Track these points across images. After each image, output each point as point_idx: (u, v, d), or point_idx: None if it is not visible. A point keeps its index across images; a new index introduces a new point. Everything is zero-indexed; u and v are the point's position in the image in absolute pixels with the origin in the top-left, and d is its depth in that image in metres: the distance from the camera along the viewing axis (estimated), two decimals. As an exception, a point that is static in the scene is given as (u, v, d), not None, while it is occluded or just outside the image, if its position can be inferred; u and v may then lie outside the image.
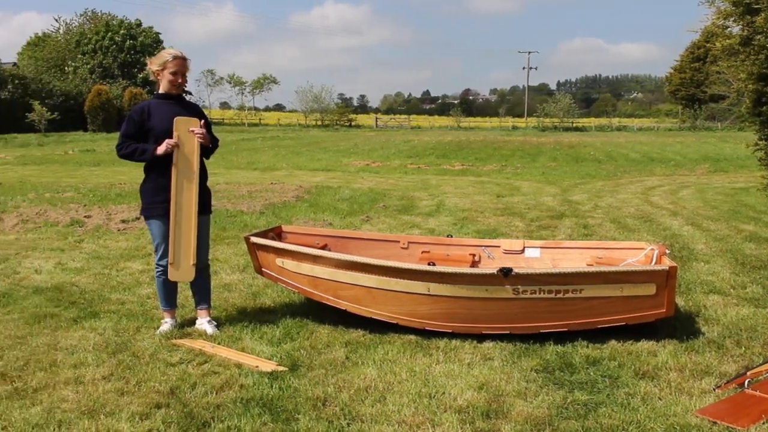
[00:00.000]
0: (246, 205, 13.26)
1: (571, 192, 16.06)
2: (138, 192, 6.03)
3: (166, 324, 5.92)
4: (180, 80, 5.67)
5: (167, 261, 5.77)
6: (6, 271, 8.04)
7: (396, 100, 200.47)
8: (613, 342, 5.41)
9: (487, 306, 5.40)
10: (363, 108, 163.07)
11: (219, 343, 5.51)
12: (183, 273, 5.77)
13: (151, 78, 5.85)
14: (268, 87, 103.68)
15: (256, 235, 6.38)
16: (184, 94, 5.90)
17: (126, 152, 5.62)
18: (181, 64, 5.66)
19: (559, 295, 5.31)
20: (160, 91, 5.75)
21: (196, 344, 5.47)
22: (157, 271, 5.90)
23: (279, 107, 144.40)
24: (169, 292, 5.95)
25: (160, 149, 5.56)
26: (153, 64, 5.69)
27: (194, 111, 5.86)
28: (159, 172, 5.68)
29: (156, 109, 5.68)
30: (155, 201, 5.70)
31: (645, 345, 5.37)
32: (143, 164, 5.78)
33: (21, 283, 7.46)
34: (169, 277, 5.78)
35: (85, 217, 11.88)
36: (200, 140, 5.66)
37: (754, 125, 12.24)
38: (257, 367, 4.97)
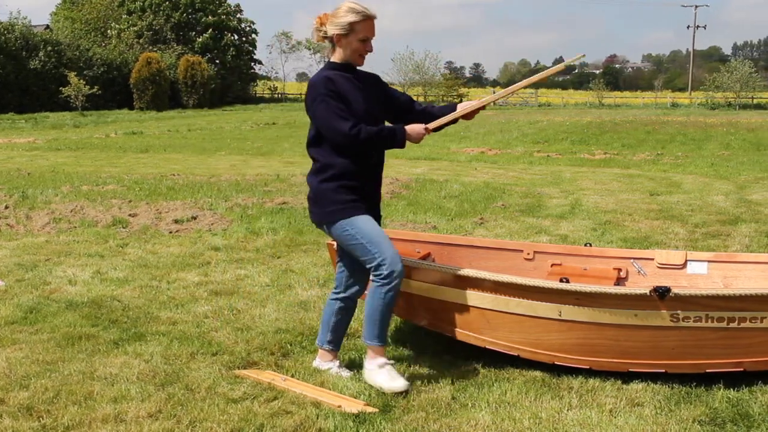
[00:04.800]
0: (327, 203, 13.36)
1: (749, 189, 15.66)
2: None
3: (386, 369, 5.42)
4: (369, 50, 5.34)
5: (400, 267, 5.29)
6: (34, 281, 8.30)
7: (519, 69, 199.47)
8: (804, 387, 5.27)
9: (636, 336, 5.31)
10: (477, 80, 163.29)
11: (292, 376, 5.58)
12: None
13: (314, 40, 5.46)
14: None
15: (340, 240, 6.43)
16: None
17: (368, 135, 5.15)
18: (373, 28, 5.28)
19: (732, 325, 5.18)
20: (336, 59, 5.35)
21: (264, 376, 5.54)
22: (381, 283, 5.34)
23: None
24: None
25: (416, 133, 5.33)
26: (332, 26, 5.22)
27: (377, 86, 5.57)
28: (349, 167, 5.32)
29: (342, 86, 5.26)
30: (348, 199, 5.35)
31: None
32: (314, 157, 5.37)
33: (51, 296, 7.70)
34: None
35: (129, 215, 12.22)
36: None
37: None
38: (340, 406, 5.01)
